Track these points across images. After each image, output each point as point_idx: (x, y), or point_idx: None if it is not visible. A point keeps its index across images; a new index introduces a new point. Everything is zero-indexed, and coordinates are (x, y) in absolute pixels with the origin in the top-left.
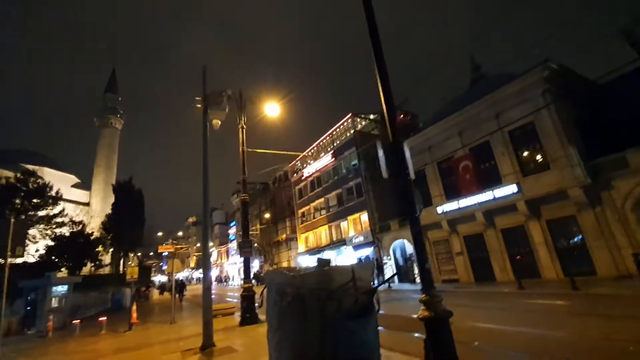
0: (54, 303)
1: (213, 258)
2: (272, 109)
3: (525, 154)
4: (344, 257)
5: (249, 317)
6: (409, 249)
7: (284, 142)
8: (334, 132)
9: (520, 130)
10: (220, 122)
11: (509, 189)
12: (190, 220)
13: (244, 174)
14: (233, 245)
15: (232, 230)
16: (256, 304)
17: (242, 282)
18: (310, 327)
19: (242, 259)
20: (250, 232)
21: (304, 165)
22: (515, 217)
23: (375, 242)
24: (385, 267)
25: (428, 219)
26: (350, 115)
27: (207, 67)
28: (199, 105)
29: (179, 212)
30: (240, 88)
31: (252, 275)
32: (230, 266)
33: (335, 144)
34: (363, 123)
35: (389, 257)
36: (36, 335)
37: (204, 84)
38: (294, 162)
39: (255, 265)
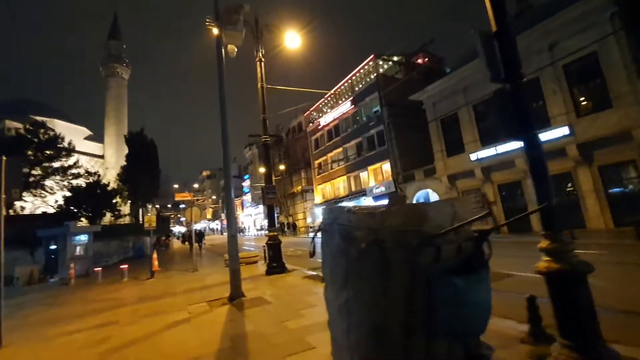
0: (76, 251)
1: None
2: (292, 39)
3: (582, 91)
4: None
5: (275, 266)
6: (434, 199)
7: (304, 84)
8: (354, 77)
9: (579, 63)
10: (236, 49)
11: (558, 132)
12: (205, 173)
13: (263, 113)
14: (247, 197)
15: (246, 183)
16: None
17: (256, 231)
18: (394, 285)
19: (258, 209)
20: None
21: (320, 115)
22: (563, 162)
23: (398, 192)
24: None
25: (458, 167)
26: (372, 56)
27: None
28: (211, 26)
29: (193, 166)
30: (256, 14)
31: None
32: (245, 217)
33: (355, 90)
34: (385, 66)
35: None
36: (59, 282)
37: None
38: (309, 111)
39: None
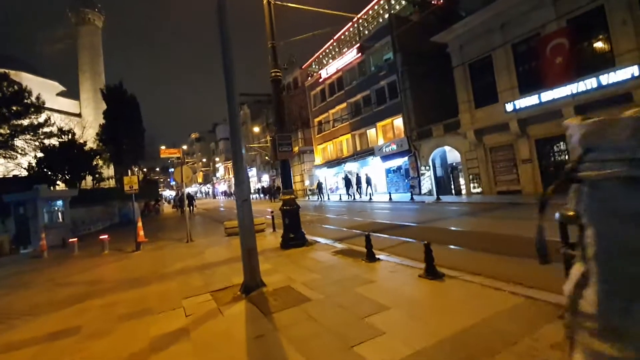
0: (49, 219)
1: (220, 173)
2: None
3: None
4: (371, 169)
5: (293, 237)
6: (451, 157)
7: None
8: (361, 20)
9: None
10: None
11: (624, 73)
12: (193, 136)
13: (272, 40)
14: None
15: None
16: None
17: (259, 195)
18: None
19: (251, 172)
20: (259, 144)
21: (320, 67)
22: (624, 111)
23: (412, 150)
24: (423, 178)
25: (488, 120)
26: None
27: None
28: None
29: (181, 130)
30: None
31: (260, 189)
32: None
33: (362, 36)
34: (397, 7)
35: (427, 167)
36: (31, 255)
37: None
38: (306, 64)
39: (265, 179)
